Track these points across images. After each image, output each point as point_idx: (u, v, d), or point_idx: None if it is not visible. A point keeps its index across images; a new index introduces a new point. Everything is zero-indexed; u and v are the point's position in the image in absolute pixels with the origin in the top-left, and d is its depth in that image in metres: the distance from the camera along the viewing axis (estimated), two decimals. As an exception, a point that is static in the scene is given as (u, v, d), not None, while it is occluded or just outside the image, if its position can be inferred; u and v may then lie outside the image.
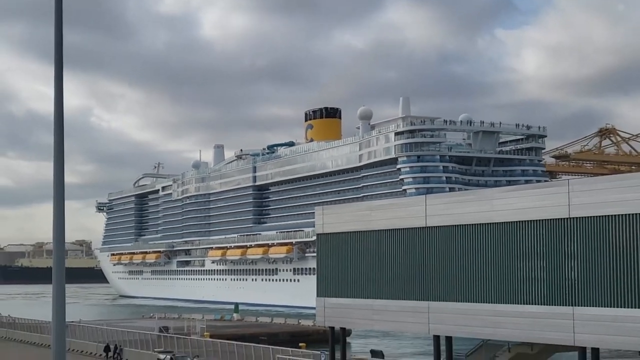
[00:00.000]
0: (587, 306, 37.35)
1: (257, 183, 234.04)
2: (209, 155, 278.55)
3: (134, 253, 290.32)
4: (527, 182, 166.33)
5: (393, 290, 47.86)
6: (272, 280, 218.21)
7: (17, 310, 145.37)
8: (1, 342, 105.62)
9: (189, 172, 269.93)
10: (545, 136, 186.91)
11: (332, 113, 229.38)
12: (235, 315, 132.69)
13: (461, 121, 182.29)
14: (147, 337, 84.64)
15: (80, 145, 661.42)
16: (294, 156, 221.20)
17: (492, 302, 41.79)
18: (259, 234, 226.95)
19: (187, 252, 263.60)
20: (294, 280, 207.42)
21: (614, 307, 36.32)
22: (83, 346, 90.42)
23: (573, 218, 38.05)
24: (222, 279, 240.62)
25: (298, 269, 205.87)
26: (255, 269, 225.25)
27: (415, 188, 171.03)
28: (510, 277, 40.94)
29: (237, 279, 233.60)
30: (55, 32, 22.95)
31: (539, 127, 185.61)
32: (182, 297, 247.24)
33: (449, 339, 45.97)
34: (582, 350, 38.50)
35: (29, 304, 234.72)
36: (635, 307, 35.65)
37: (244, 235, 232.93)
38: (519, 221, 40.54)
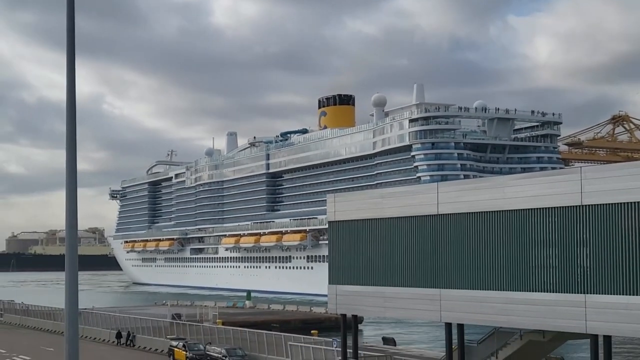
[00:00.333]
0: (600, 294, 37.25)
1: (270, 170, 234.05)
2: (222, 143, 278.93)
3: (147, 240, 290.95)
4: (542, 169, 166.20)
5: (405, 277, 47.84)
6: (286, 267, 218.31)
7: (31, 297, 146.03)
8: (15, 329, 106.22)
9: (202, 159, 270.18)
10: (561, 123, 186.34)
11: (346, 100, 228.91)
12: (247, 302, 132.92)
13: (476, 108, 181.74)
14: (159, 324, 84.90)
15: (93, 133, 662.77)
16: (307, 143, 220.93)
17: (503, 290, 41.72)
18: (273, 221, 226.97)
19: (200, 239, 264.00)
20: (308, 268, 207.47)
21: (626, 294, 36.21)
22: (96, 333, 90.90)
23: (585, 205, 37.93)
24: (236, 267, 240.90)
25: (312, 256, 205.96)
26: (269, 257, 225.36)
27: (430, 175, 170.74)
28: (522, 264, 40.87)
29: (250, 267, 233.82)
30: (67, 19, 22.96)
31: (554, 114, 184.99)
32: (196, 284, 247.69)
33: (460, 327, 45.97)
34: (594, 338, 38.43)
35: (43, 291, 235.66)
36: (647, 295, 35.62)
37: (257, 222, 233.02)
38: (532, 209, 40.43)
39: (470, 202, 43.91)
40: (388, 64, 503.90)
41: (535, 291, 40.10)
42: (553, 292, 39.26)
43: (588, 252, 37.88)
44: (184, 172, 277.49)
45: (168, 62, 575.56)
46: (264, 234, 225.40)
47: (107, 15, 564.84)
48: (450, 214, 45.00)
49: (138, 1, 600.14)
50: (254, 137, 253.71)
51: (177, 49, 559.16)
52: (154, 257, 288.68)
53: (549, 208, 39.59)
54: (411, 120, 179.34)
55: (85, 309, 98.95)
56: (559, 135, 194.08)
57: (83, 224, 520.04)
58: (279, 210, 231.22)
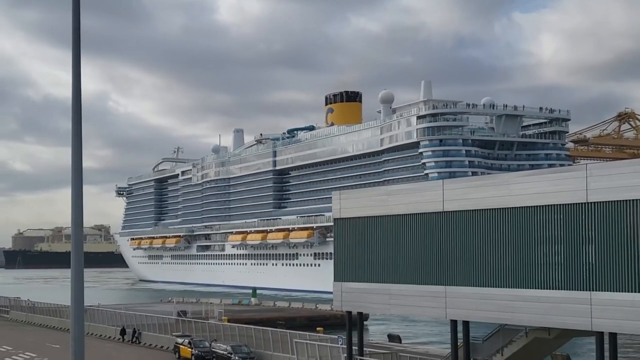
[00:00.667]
0: (605, 291, 37.22)
1: (277, 167, 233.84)
2: (228, 140, 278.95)
3: (153, 237, 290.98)
4: (550, 165, 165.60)
5: (410, 275, 47.84)
6: (293, 265, 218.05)
7: (37, 294, 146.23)
8: (21, 326, 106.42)
9: (209, 156, 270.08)
10: (569, 120, 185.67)
11: (353, 97, 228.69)
12: (252, 299, 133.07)
13: (484, 105, 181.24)
14: (165, 321, 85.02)
15: (98, 130, 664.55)
16: (314, 140, 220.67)
17: (509, 287, 41.72)
18: (279, 218, 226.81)
19: (207, 236, 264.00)
20: (315, 265, 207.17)
21: (632, 292, 36.17)
22: (102, 330, 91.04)
23: (591, 203, 37.90)
24: (242, 264, 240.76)
25: (319, 253, 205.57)
26: (276, 254, 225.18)
27: (438, 172, 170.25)
28: (527, 261, 40.85)
29: (257, 264, 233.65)
30: (73, 17, 22.99)
31: (560, 111, 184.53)
32: (202, 281, 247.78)
33: (466, 324, 45.95)
34: (599, 335, 38.41)
35: (48, 288, 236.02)
36: (653, 292, 35.60)
37: (264, 219, 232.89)
38: (537, 206, 40.41)
39: (476, 199, 43.90)
40: (392, 61, 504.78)
41: (541, 288, 40.08)
42: (558, 289, 39.24)
43: (593, 249, 37.86)
44: (191, 169, 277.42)
45: (172, 60, 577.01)
46: (271, 231, 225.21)
47: (112, 13, 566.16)
48: (456, 211, 44.99)
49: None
50: (261, 134, 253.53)
51: (182, 46, 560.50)
52: (161, 254, 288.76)
53: (554, 205, 39.57)
54: (419, 117, 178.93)
55: (91, 306, 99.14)
56: (567, 132, 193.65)
57: (89, 221, 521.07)
58: (285, 207, 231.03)
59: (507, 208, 41.93)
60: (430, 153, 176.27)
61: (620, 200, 36.73)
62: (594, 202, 37.74)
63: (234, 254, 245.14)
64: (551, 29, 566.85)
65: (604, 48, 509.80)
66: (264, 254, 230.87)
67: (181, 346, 72.63)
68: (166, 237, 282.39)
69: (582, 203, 38.24)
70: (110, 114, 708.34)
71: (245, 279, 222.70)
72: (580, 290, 38.19)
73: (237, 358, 66.65)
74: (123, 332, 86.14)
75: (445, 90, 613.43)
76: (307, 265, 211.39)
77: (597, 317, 37.59)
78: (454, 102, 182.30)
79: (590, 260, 37.97)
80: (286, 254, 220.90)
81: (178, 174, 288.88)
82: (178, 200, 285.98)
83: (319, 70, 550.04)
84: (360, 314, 54.50)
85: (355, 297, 52.14)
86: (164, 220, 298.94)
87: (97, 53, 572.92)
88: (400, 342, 74.58)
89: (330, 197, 55.88)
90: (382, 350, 61.08)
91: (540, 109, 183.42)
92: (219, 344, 70.38)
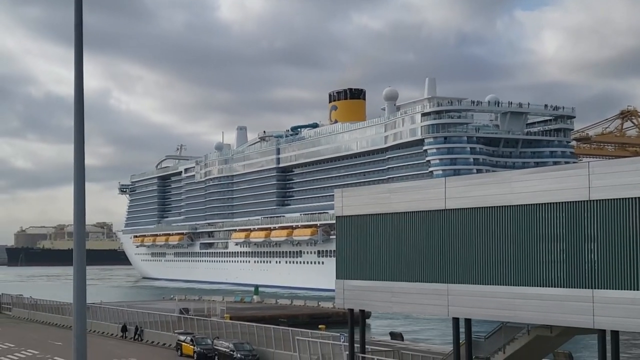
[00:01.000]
0: (607, 289, 37.17)
1: (280, 165, 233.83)
2: (231, 138, 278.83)
3: (156, 235, 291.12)
4: (555, 163, 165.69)
5: (412, 272, 47.81)
6: (296, 262, 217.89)
7: (39, 292, 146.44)
8: (24, 323, 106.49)
9: (212, 153, 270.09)
10: (574, 117, 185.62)
11: (357, 94, 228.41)
12: (255, 297, 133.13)
13: (488, 102, 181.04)
14: (167, 318, 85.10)
15: (100, 127, 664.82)
16: (318, 138, 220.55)
17: (511, 285, 41.67)
18: (283, 216, 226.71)
19: (210, 234, 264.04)
20: (319, 263, 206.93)
21: (634, 289, 36.12)
22: (104, 327, 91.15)
23: (593, 200, 37.85)
24: (246, 261, 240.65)
25: (322, 251, 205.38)
26: (279, 251, 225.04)
27: (442, 170, 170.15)
28: (530, 259, 40.82)
29: (260, 261, 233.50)
30: (75, 14, 23.00)
31: (565, 108, 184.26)
32: (206, 279, 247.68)
33: (468, 322, 45.92)
34: (601, 333, 38.38)
35: (51, 285, 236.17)
36: (655, 290, 35.57)
37: (267, 217, 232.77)
38: (539, 204, 40.36)
39: (478, 197, 43.85)
40: (394, 59, 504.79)
41: (543, 286, 40.05)
42: (560, 287, 39.20)
43: (596, 247, 37.81)
44: (194, 167, 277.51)
45: (174, 57, 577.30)
46: (275, 228, 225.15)
47: (114, 10, 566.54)
48: (458, 208, 44.94)
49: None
50: (264, 132, 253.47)
51: (184, 44, 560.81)
52: (164, 251, 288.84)
53: (556, 203, 39.52)
54: (423, 114, 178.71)
55: (93, 303, 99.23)
56: (573, 130, 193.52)
57: (91, 218, 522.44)
58: (289, 205, 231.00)
59: (510, 206, 41.89)
60: (434, 150, 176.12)
61: (622, 198, 36.69)
62: (596, 200, 37.70)
63: (238, 252, 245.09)
64: (553, 27, 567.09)
65: (606, 45, 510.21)
66: (267, 252, 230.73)
67: (183, 344, 72.67)
68: (169, 234, 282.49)
69: (584, 201, 38.20)
70: (112, 111, 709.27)
71: (249, 277, 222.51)
72: (583, 288, 38.15)
73: (239, 355, 66.71)
74: (124, 329, 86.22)
75: (448, 88, 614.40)
76: (311, 263, 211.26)
77: (599, 315, 37.56)
78: (458, 100, 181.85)
79: (593, 258, 37.93)
80: (290, 252, 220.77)
81: (181, 172, 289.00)
82: (181, 197, 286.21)
83: (321, 67, 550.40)
84: (362, 311, 54.46)
85: (357, 294, 52.12)
86: (167, 217, 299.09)
87: (99, 50, 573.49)
88: (403, 340, 74.51)
89: (334, 195, 55.86)
90: (384, 348, 61.05)
91: (545, 106, 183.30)
92: (221, 342, 70.41)
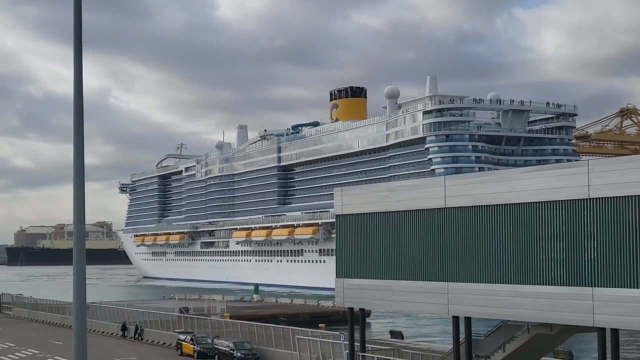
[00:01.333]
0: (607, 287, 37.16)
1: (281, 163, 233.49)
2: (232, 136, 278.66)
3: (157, 234, 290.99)
4: (557, 161, 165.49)
5: (412, 271, 47.79)
6: (298, 261, 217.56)
7: (39, 291, 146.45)
8: (24, 322, 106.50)
9: (213, 152, 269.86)
10: (576, 115, 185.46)
11: (358, 92, 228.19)
12: (255, 296, 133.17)
13: (490, 100, 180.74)
14: (167, 317, 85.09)
15: (100, 127, 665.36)
16: (319, 136, 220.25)
17: (511, 283, 41.66)
18: (284, 214, 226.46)
19: (211, 233, 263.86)
20: (320, 261, 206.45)
21: (634, 287, 36.13)
22: (104, 327, 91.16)
23: (593, 199, 37.85)
24: (247, 260, 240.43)
25: (324, 249, 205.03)
26: (281, 250, 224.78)
27: (444, 168, 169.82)
28: (529, 258, 40.81)
29: (261, 260, 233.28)
30: (74, 13, 23.00)
31: (567, 106, 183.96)
32: (206, 278, 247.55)
33: (468, 320, 45.91)
34: (601, 331, 38.39)
35: (51, 285, 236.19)
36: (655, 288, 35.57)
37: (268, 216, 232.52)
38: (539, 202, 40.34)
39: (478, 195, 43.84)
40: (394, 57, 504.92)
41: (543, 284, 40.04)
42: (560, 285, 39.20)
43: (595, 245, 37.80)
44: (194, 166, 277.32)
45: (174, 56, 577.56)
46: (276, 227, 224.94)
47: (114, 9, 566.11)
48: (458, 207, 44.93)
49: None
50: (265, 130, 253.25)
51: (183, 42, 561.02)
52: (164, 250, 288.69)
53: (556, 201, 39.50)
54: (425, 112, 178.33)
55: (93, 302, 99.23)
56: (575, 127, 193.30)
57: (91, 218, 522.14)
58: (290, 203, 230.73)
59: (509, 204, 41.88)
60: (436, 149, 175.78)
61: (622, 196, 36.67)
62: (596, 198, 37.68)
63: (239, 251, 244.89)
64: (553, 25, 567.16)
65: (606, 43, 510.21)
66: (268, 251, 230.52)
67: (183, 343, 72.68)
68: (170, 233, 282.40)
69: (584, 199, 38.19)
70: (112, 110, 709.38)
71: (250, 276, 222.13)
72: (582, 286, 38.15)
73: (239, 354, 66.72)
74: (124, 328, 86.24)
75: (448, 86, 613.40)
76: (313, 261, 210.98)
77: (599, 313, 37.55)
78: (460, 98, 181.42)
79: (592, 256, 37.92)
80: (291, 251, 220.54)
81: (182, 171, 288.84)
82: (182, 196, 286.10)
83: (321, 66, 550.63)
84: (362, 310, 54.44)
85: (357, 293, 52.11)
86: (167, 216, 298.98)
87: (99, 49, 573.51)
88: (403, 339, 74.62)
89: (334, 194, 55.80)
90: (384, 346, 61.10)
91: (547, 104, 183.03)
92: (221, 341, 70.42)
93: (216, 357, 69.27)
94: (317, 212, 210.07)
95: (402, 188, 51.21)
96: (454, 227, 45.07)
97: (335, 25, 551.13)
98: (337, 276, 53.54)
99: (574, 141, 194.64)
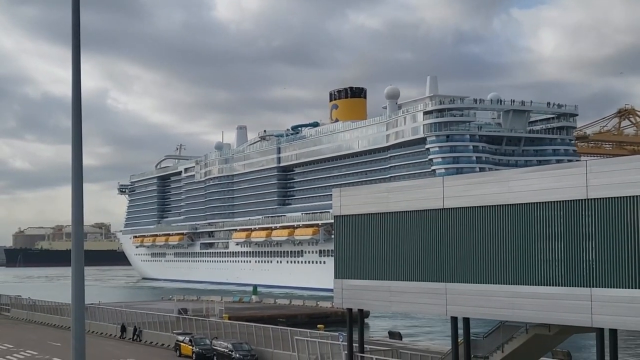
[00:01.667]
0: (605, 287, 37.15)
1: (281, 164, 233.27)
2: (231, 137, 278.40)
3: (156, 235, 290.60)
4: (558, 161, 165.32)
5: (411, 272, 47.80)
6: (298, 262, 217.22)
7: (38, 292, 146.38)
8: (22, 324, 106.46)
9: (212, 153, 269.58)
10: (577, 115, 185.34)
11: (357, 93, 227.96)
12: (253, 297, 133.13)
13: (491, 100, 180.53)
14: (166, 319, 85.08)
15: (98, 128, 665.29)
16: (319, 137, 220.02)
17: (509, 284, 41.67)
18: (284, 215, 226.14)
19: (210, 234, 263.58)
20: (320, 262, 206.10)
21: (632, 288, 36.14)
22: (102, 328, 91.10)
23: (591, 199, 37.88)
24: (247, 261, 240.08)
25: (324, 250, 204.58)
26: (280, 251, 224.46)
27: (445, 168, 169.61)
28: (528, 258, 40.82)
29: (261, 261, 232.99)
30: (72, 13, 22.99)
31: (567, 106, 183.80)
32: (206, 279, 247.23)
33: (466, 321, 45.90)
34: (600, 331, 38.41)
35: (49, 286, 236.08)
36: (653, 289, 35.59)
37: (268, 217, 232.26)
38: (537, 202, 40.35)
39: (476, 196, 43.84)
40: (392, 57, 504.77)
41: (541, 285, 40.05)
42: (559, 285, 39.20)
43: (593, 245, 37.81)
44: (194, 167, 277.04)
45: (172, 57, 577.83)
46: (275, 228, 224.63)
47: (111, 10, 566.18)
48: (456, 208, 44.94)
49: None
50: (265, 131, 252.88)
51: (181, 43, 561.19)
52: (164, 252, 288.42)
53: (554, 202, 39.51)
54: (425, 113, 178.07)
55: (91, 304, 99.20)
56: (575, 127, 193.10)
57: (89, 219, 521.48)
58: (290, 204, 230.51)
59: (507, 205, 41.89)
60: (437, 149, 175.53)
61: (620, 197, 36.69)
62: (594, 199, 37.69)
63: (238, 252, 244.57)
64: (551, 25, 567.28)
65: (604, 43, 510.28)
66: (268, 252, 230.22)
67: (182, 344, 72.67)
68: (169, 234, 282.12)
69: (582, 199, 38.20)
70: (111, 111, 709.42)
71: (250, 277, 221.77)
72: (581, 286, 38.16)
73: (237, 356, 66.69)
74: (123, 329, 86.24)
75: (446, 87, 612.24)
76: (313, 262, 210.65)
77: (597, 313, 37.56)
78: (460, 98, 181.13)
79: (590, 257, 37.93)
80: (291, 252, 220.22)
81: (181, 172, 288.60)
82: (181, 197, 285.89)
83: (320, 66, 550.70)
84: (360, 311, 54.43)
85: (355, 294, 52.11)
86: (167, 217, 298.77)
87: (97, 50, 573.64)
88: (401, 339, 74.59)
89: (332, 194, 55.80)
90: (383, 347, 61.09)
91: (548, 104, 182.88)
92: (219, 342, 70.40)
93: (215, 358, 69.24)
94: (317, 212, 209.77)
95: (401, 189, 51.22)
96: (453, 228, 45.08)
97: (333, 26, 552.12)
98: (335, 277, 53.56)
99: (574, 141, 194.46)
